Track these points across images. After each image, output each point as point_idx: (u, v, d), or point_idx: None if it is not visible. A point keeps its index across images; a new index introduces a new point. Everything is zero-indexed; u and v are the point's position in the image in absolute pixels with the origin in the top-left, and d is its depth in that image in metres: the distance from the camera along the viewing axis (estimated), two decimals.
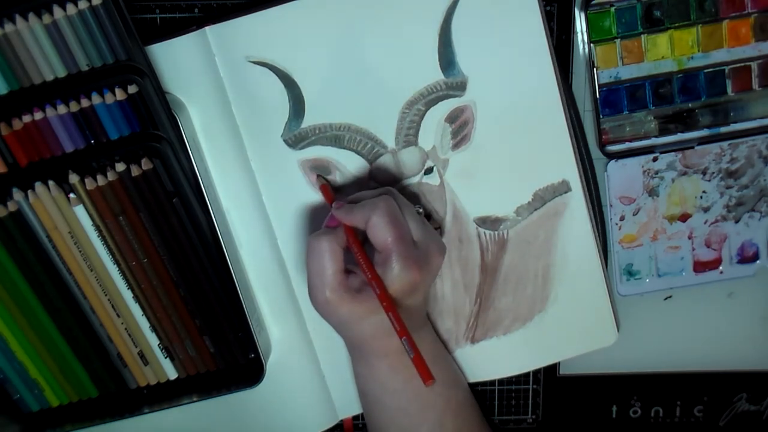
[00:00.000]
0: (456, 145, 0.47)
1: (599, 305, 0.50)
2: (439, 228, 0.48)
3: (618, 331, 0.51)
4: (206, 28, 0.45)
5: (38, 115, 0.43)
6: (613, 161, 0.48)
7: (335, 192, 0.47)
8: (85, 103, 0.43)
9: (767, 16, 0.46)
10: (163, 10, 0.47)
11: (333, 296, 0.41)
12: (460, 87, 0.46)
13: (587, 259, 0.49)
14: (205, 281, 0.47)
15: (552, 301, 0.50)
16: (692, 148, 0.48)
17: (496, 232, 0.49)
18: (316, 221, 0.48)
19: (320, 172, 0.47)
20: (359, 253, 0.41)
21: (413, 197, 0.48)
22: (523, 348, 0.50)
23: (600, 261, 0.49)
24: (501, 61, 0.46)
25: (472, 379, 0.52)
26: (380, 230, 0.40)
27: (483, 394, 0.53)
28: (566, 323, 0.50)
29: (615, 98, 0.47)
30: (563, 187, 0.48)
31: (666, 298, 0.51)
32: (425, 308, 0.47)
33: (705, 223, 0.50)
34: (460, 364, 0.51)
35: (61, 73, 0.43)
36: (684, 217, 0.49)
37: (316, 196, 0.48)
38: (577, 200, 0.48)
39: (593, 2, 0.46)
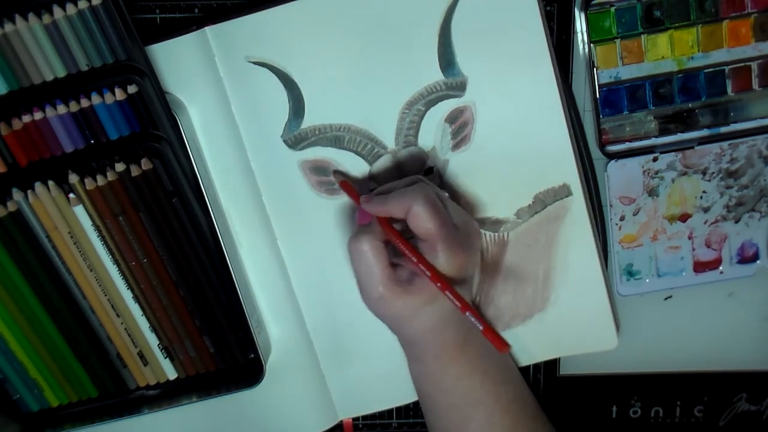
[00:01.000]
0: (456, 146, 0.47)
1: (599, 309, 0.50)
2: None
3: (618, 332, 0.50)
4: (206, 28, 0.45)
5: (38, 115, 0.43)
6: (613, 161, 0.48)
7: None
8: (84, 103, 0.43)
9: (767, 16, 0.46)
10: (163, 10, 0.47)
11: (386, 291, 0.41)
12: (459, 87, 0.46)
13: (588, 263, 0.49)
14: (204, 281, 0.47)
15: (552, 302, 0.50)
16: (692, 148, 0.48)
17: (496, 234, 0.49)
18: (316, 221, 0.48)
19: (320, 173, 0.47)
20: (402, 242, 0.41)
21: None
22: (522, 343, 0.50)
23: (600, 264, 0.49)
24: (501, 61, 0.46)
25: None
26: (423, 219, 0.40)
27: None
28: (566, 324, 0.50)
29: (615, 98, 0.47)
30: (564, 191, 0.48)
31: (666, 298, 0.51)
32: (471, 296, 0.47)
33: (705, 223, 0.50)
34: None
35: (61, 73, 0.43)
36: (684, 217, 0.49)
37: (316, 197, 0.48)
38: (577, 204, 0.48)
39: (593, 2, 0.46)
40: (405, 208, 0.40)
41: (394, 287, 0.41)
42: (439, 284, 0.40)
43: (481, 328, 0.39)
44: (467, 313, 0.39)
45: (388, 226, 0.42)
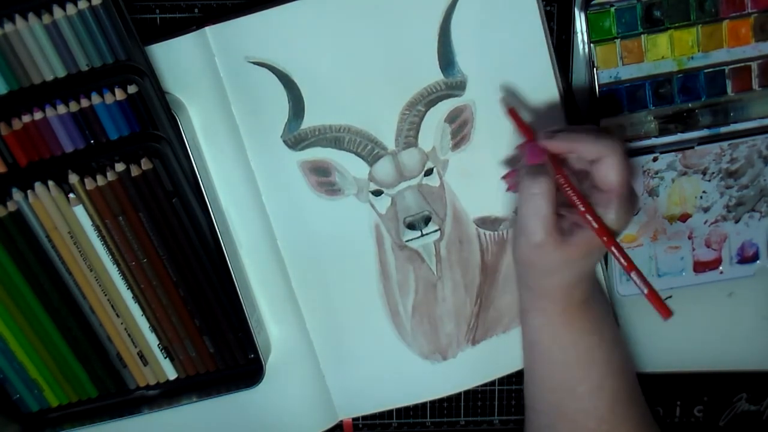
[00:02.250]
0: (456, 145, 0.47)
1: None
2: (439, 230, 0.48)
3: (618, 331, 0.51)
4: (206, 28, 0.45)
5: (38, 115, 0.43)
6: None
7: (333, 190, 0.47)
8: (84, 103, 0.43)
9: (767, 16, 0.46)
10: (163, 10, 0.47)
11: (549, 239, 0.40)
12: (459, 87, 0.46)
13: None
14: (204, 281, 0.47)
15: None
16: (692, 148, 0.48)
17: (495, 233, 0.49)
18: (316, 221, 0.48)
19: (320, 174, 0.47)
20: (574, 189, 0.41)
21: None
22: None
23: (600, 261, 0.49)
24: (501, 60, 0.46)
25: (475, 382, 0.52)
26: (616, 171, 0.39)
27: (483, 394, 0.53)
28: None
29: (615, 98, 0.47)
30: None
31: (666, 298, 0.51)
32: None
33: (705, 223, 0.50)
34: (462, 367, 0.51)
35: (61, 73, 0.43)
36: (684, 217, 0.49)
37: (315, 197, 0.48)
38: None
39: (593, 2, 0.46)
40: (599, 152, 0.40)
41: (556, 236, 0.41)
42: (605, 238, 0.39)
43: (645, 291, 0.39)
44: (632, 274, 0.39)
45: (562, 170, 0.41)
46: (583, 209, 0.40)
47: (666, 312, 0.39)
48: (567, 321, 0.44)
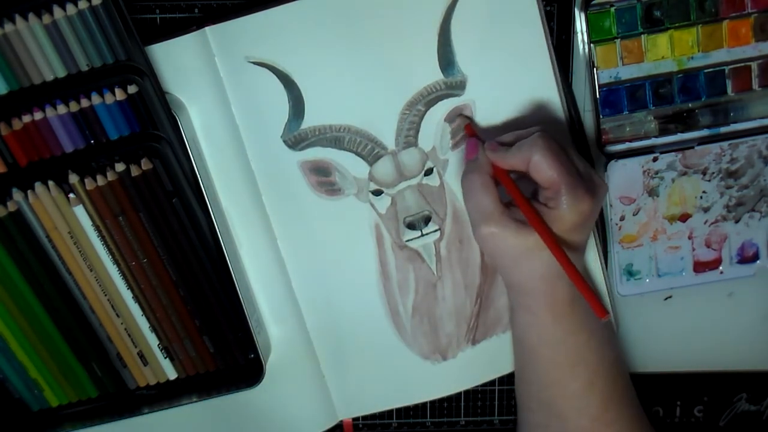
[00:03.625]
0: (455, 145, 0.47)
1: None
2: (439, 230, 0.48)
3: (618, 333, 0.50)
4: (206, 28, 0.45)
5: (38, 115, 0.43)
6: (613, 161, 0.48)
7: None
8: (84, 103, 0.43)
9: (767, 16, 0.46)
10: (163, 10, 0.47)
11: (497, 228, 0.41)
12: (459, 86, 0.46)
13: (588, 260, 0.49)
14: (204, 281, 0.47)
15: None
16: (692, 148, 0.48)
17: None
18: (316, 221, 0.48)
19: (320, 174, 0.47)
20: (515, 192, 0.41)
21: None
22: None
23: (600, 261, 0.49)
24: (500, 60, 0.46)
25: (474, 382, 0.52)
26: (545, 167, 0.40)
27: (483, 394, 0.53)
28: None
29: (615, 98, 0.47)
30: None
31: (666, 298, 0.51)
32: (584, 253, 0.47)
33: (705, 223, 0.50)
34: (462, 367, 0.51)
35: (61, 73, 0.43)
36: (684, 217, 0.49)
37: (316, 197, 0.48)
38: None
39: (593, 2, 0.46)
40: (525, 159, 0.40)
41: (509, 223, 0.41)
42: (545, 237, 0.40)
43: (582, 293, 0.39)
44: (567, 269, 0.39)
45: (504, 175, 0.42)
46: (528, 213, 0.40)
47: (602, 312, 0.39)
48: (554, 319, 0.43)
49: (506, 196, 0.42)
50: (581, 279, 0.39)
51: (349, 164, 0.47)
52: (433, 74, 0.46)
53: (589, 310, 0.44)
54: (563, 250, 0.40)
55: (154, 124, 0.44)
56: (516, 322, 0.46)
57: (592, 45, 0.47)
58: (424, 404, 0.54)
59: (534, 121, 0.46)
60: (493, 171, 0.42)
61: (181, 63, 0.45)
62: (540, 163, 0.40)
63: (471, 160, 0.43)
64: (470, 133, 0.46)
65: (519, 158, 0.41)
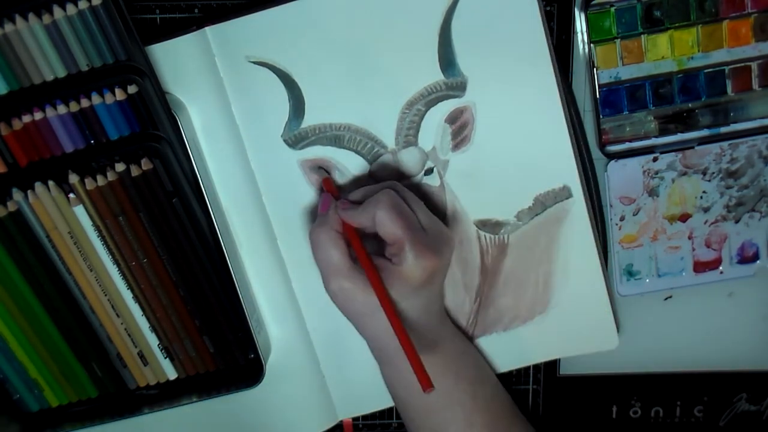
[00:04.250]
0: (456, 146, 0.47)
1: (600, 310, 0.50)
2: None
3: (618, 334, 0.50)
4: (206, 28, 0.45)
5: (38, 115, 0.43)
6: (613, 161, 0.48)
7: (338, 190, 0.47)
8: (85, 103, 0.43)
9: (767, 16, 0.46)
10: (163, 10, 0.47)
11: (346, 282, 0.41)
12: (460, 87, 0.46)
13: (588, 265, 0.49)
14: (204, 281, 0.47)
15: (552, 304, 0.50)
16: (692, 148, 0.48)
17: (496, 236, 0.49)
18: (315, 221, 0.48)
19: (320, 173, 0.47)
20: (359, 250, 0.41)
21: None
22: (523, 343, 0.50)
23: (601, 265, 0.49)
24: (501, 61, 0.46)
25: None
26: (387, 223, 0.40)
27: None
28: (567, 325, 0.50)
29: (615, 98, 0.47)
30: (564, 193, 0.48)
31: (666, 298, 0.51)
32: (443, 302, 0.47)
33: (705, 223, 0.50)
34: None
35: (61, 73, 0.43)
36: (684, 217, 0.49)
37: (316, 196, 0.48)
38: (578, 206, 0.48)
39: (593, 2, 0.46)
40: (370, 216, 0.41)
41: (357, 278, 0.41)
42: (379, 295, 0.40)
43: (410, 363, 0.39)
44: (400, 337, 0.39)
45: (351, 231, 0.42)
46: (366, 269, 0.40)
47: (427, 385, 0.38)
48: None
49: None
50: (409, 346, 0.39)
51: (350, 163, 0.47)
52: (434, 74, 0.46)
53: (453, 352, 0.45)
54: (396, 312, 0.40)
55: (154, 124, 0.44)
56: (384, 376, 0.46)
57: (592, 45, 0.47)
58: None
59: (534, 122, 0.46)
60: (342, 227, 0.42)
61: (181, 63, 0.45)
62: (383, 219, 0.40)
63: (323, 214, 0.43)
64: (327, 188, 0.46)
65: (365, 216, 0.41)
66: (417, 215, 0.42)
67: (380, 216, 0.40)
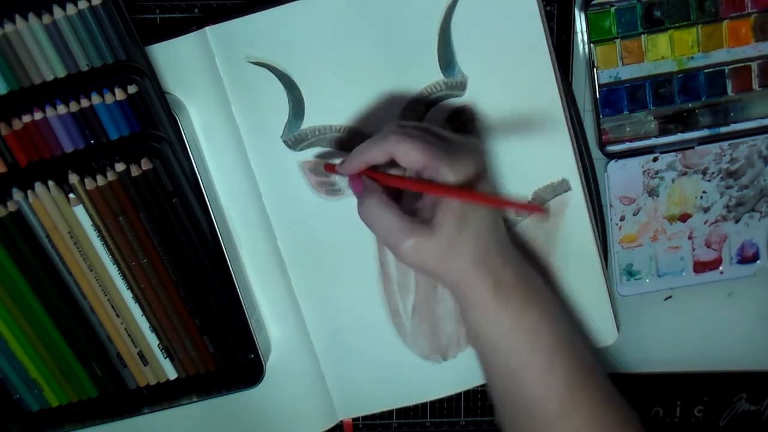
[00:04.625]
0: None
1: (599, 305, 0.50)
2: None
3: (618, 330, 0.51)
4: (206, 28, 0.45)
5: (38, 115, 0.43)
6: (613, 161, 0.48)
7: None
8: (85, 103, 0.43)
9: (767, 16, 0.46)
10: (163, 10, 0.47)
11: (415, 237, 0.39)
12: (460, 87, 0.46)
13: (587, 259, 0.49)
14: (205, 281, 0.47)
15: None
16: (692, 148, 0.48)
17: None
18: (316, 221, 0.48)
19: (320, 174, 0.47)
20: (399, 178, 0.40)
21: None
22: None
23: (600, 261, 0.49)
24: (501, 61, 0.46)
25: (475, 383, 0.52)
26: (408, 153, 0.39)
27: (483, 394, 0.53)
28: None
29: (615, 98, 0.47)
30: (563, 187, 0.48)
31: (666, 298, 0.51)
32: (503, 221, 0.45)
33: (705, 223, 0.50)
34: (462, 367, 0.51)
35: (61, 73, 0.43)
36: (684, 217, 0.49)
37: (315, 197, 0.48)
38: (577, 199, 0.48)
39: (593, 2, 0.46)
40: (385, 152, 0.40)
41: (421, 230, 0.39)
42: (454, 194, 0.38)
43: (511, 206, 0.38)
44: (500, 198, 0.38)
45: (380, 174, 0.41)
46: (417, 187, 0.39)
47: (541, 211, 0.38)
48: (499, 305, 0.41)
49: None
50: (499, 199, 0.38)
51: None
52: (434, 75, 0.46)
53: (534, 285, 0.43)
54: (477, 191, 0.38)
55: (154, 124, 0.44)
56: (467, 321, 0.44)
57: (592, 45, 0.47)
58: (424, 404, 0.54)
59: (534, 122, 0.46)
60: (380, 184, 0.41)
61: (181, 63, 0.45)
62: (404, 152, 0.39)
63: (360, 194, 0.42)
64: (336, 170, 0.45)
65: (377, 150, 0.40)
66: (432, 131, 0.41)
67: (399, 150, 0.39)
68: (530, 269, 0.44)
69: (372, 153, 0.41)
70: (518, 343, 0.42)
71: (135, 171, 0.44)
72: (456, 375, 0.51)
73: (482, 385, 0.53)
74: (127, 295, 0.48)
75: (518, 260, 0.43)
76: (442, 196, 0.39)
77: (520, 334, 0.42)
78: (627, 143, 0.48)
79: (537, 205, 0.37)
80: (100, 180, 0.44)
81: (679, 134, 0.48)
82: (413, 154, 0.39)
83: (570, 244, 0.49)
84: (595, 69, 0.47)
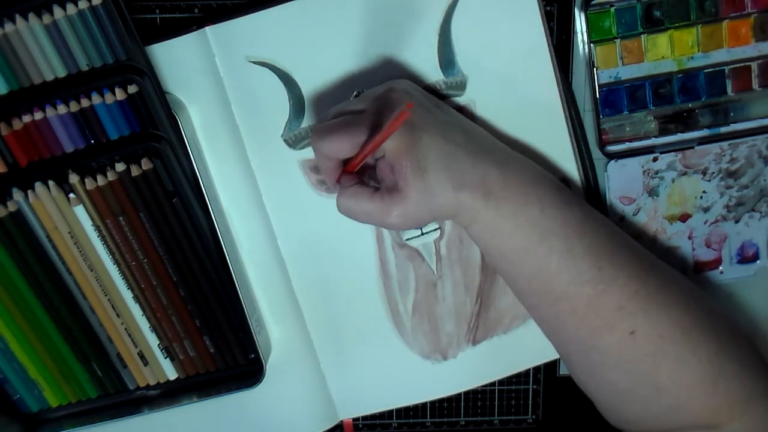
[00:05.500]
0: None
1: None
2: (439, 228, 0.48)
3: None
4: (206, 28, 0.45)
5: (38, 115, 0.43)
6: (613, 161, 0.48)
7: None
8: (85, 103, 0.43)
9: (767, 16, 0.46)
10: (163, 10, 0.47)
11: (393, 208, 0.39)
12: (459, 87, 0.46)
13: None
14: (205, 281, 0.47)
15: None
16: (692, 148, 0.48)
17: None
18: (316, 220, 0.48)
19: (320, 172, 0.47)
20: (350, 160, 0.40)
21: None
22: (523, 345, 0.50)
23: None
24: (501, 60, 0.46)
25: (475, 383, 0.52)
26: (329, 146, 0.39)
27: (483, 394, 0.53)
28: None
29: (615, 98, 0.47)
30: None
31: None
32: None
33: (705, 223, 0.50)
34: (462, 367, 0.51)
35: (61, 73, 0.43)
36: (684, 217, 0.49)
37: (316, 196, 0.48)
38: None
39: (593, 2, 0.46)
40: (322, 155, 0.40)
41: (394, 199, 0.39)
42: (377, 144, 0.38)
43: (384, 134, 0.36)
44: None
45: (348, 166, 0.41)
46: (370, 147, 0.38)
47: (405, 115, 0.35)
48: (496, 211, 0.41)
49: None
50: (384, 132, 0.36)
51: None
52: (434, 74, 0.46)
53: (524, 179, 0.41)
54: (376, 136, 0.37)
55: (154, 124, 0.44)
56: (474, 238, 0.43)
57: (592, 45, 0.47)
58: (424, 404, 0.54)
59: (534, 122, 0.46)
60: (351, 170, 0.41)
61: (181, 63, 0.45)
62: (326, 146, 0.40)
63: (337, 185, 0.42)
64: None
65: (318, 154, 0.41)
66: (341, 112, 0.41)
67: (319, 146, 0.40)
68: (515, 154, 0.44)
69: (320, 162, 0.41)
70: (527, 241, 0.41)
71: (135, 171, 0.44)
72: (456, 375, 0.51)
73: (482, 385, 0.53)
74: (127, 295, 0.48)
75: (500, 149, 0.43)
76: (372, 152, 0.39)
77: (526, 232, 0.41)
78: (627, 143, 0.48)
79: (400, 115, 0.35)
80: (100, 180, 0.44)
81: (679, 134, 0.48)
82: (331, 146, 0.40)
83: None
84: (595, 69, 0.47)
